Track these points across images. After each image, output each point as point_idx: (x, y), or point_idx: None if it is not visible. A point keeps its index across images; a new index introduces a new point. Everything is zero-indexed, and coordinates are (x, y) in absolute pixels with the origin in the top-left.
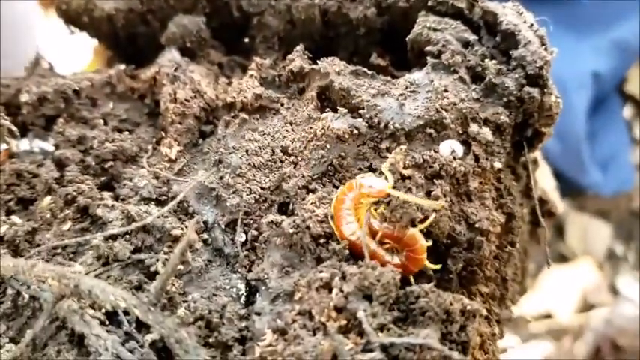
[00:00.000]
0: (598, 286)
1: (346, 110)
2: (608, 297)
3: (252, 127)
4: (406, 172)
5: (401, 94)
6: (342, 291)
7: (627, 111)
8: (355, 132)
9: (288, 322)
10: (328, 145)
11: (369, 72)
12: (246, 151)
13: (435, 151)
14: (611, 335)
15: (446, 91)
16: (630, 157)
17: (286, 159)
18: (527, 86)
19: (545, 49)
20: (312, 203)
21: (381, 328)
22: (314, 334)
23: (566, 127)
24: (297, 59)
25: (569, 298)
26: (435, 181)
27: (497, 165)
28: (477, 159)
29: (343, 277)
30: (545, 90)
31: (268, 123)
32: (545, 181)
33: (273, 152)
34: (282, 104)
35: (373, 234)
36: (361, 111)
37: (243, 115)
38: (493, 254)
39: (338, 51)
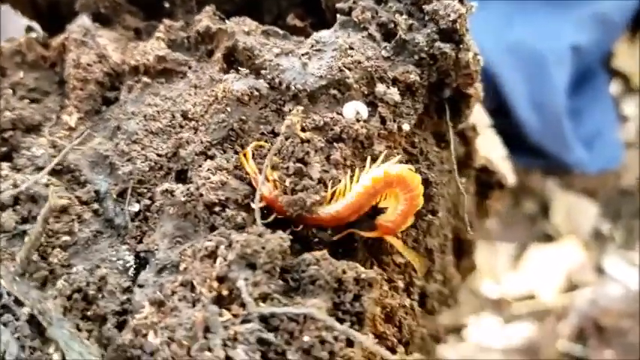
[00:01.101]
0: (583, 266)
1: (248, 71)
2: (593, 277)
3: (154, 91)
4: (305, 135)
5: (305, 54)
6: (225, 260)
7: (615, 87)
8: (256, 94)
9: (168, 294)
10: (229, 109)
11: (282, 32)
12: (144, 116)
13: (339, 113)
14: (595, 316)
15: (351, 49)
16: (618, 134)
17: (186, 124)
18: (439, 42)
19: (461, 2)
20: (207, 170)
21: (264, 298)
22: (194, 306)
23: (545, 102)
24: (205, 19)
25: (553, 278)
26: (335, 144)
27: (406, 127)
28: (383, 121)
29: (229, 246)
30: (461, 46)
31: (173, 87)
32: (492, 151)
33: (173, 117)
34: (189, 67)
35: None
36: (263, 71)
37: (146, 79)
38: None
39: (264, 14)
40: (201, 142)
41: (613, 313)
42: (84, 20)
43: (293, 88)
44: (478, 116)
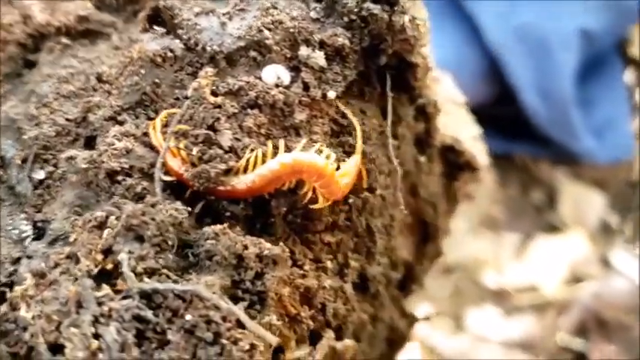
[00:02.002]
0: (588, 258)
1: (164, 30)
2: (598, 270)
3: (73, 53)
4: (215, 100)
5: (226, 13)
6: (112, 231)
7: (629, 75)
8: (170, 55)
9: (51, 266)
10: (142, 71)
11: None
12: (58, 79)
13: (258, 77)
14: (598, 310)
15: (274, 8)
16: (630, 124)
17: (100, 87)
18: (368, 3)
19: None
20: (113, 136)
21: (152, 273)
22: (75, 280)
23: (552, 88)
24: None
25: (557, 270)
26: (250, 110)
27: (332, 94)
28: (305, 87)
29: (120, 217)
30: (396, 8)
31: (95, 49)
32: (462, 130)
33: (88, 79)
34: (115, 28)
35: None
36: (180, 31)
37: (65, 41)
38: None
39: None
40: (111, 107)
41: (616, 308)
42: None
43: (209, 49)
44: (449, 93)
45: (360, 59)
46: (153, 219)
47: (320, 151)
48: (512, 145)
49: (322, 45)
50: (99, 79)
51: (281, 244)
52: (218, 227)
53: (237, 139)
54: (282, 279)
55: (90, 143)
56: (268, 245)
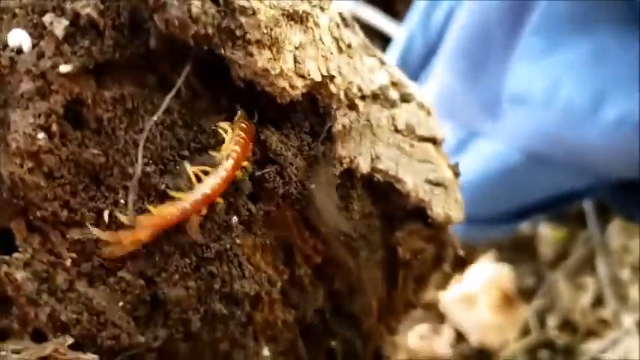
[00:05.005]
0: None
1: None
2: None
3: None
4: None
5: None
6: None
7: None
8: None
9: None
10: None
11: None
12: None
13: (3, 41)
14: None
15: None
16: None
17: None
18: None
19: None
20: None
21: None
22: None
23: None
24: None
25: None
26: None
27: (65, 68)
28: (40, 56)
29: None
30: None
31: None
32: (421, 170)
33: None
34: None
35: None
36: None
37: None
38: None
39: None
40: None
41: None
42: None
43: None
44: (428, 128)
45: (132, 39)
46: None
47: None
48: None
49: (77, 15)
50: None
51: None
52: None
53: None
54: None
55: None
56: None
